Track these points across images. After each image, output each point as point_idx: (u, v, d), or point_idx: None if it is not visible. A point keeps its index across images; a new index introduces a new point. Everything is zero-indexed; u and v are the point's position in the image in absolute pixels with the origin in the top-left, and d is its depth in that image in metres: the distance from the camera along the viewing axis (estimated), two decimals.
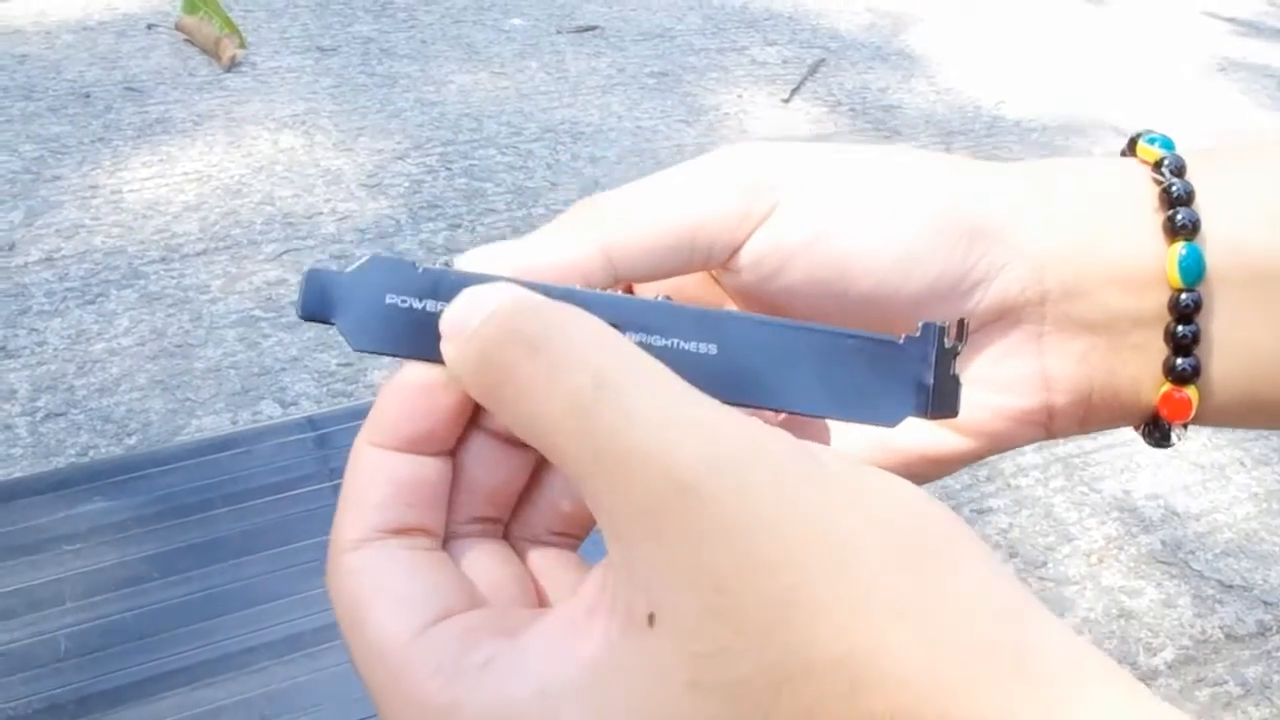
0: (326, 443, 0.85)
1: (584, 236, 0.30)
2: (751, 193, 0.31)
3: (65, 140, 2.03)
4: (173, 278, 1.69)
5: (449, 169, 2.03)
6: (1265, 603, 1.29)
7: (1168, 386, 0.32)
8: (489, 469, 0.29)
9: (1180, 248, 0.31)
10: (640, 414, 0.22)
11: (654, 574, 0.22)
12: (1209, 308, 0.31)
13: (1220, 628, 1.26)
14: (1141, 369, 0.32)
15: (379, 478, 0.28)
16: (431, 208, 1.91)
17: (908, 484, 0.24)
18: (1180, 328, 0.31)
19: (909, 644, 0.20)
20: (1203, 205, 0.31)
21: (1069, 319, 0.32)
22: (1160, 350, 0.32)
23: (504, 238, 2.14)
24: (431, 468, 0.28)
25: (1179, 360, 0.32)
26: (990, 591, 0.22)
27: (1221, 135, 2.37)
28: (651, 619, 0.22)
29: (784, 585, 0.21)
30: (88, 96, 2.19)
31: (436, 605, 0.26)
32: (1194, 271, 0.31)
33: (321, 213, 1.87)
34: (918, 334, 0.28)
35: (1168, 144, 0.33)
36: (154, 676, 0.67)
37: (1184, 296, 0.31)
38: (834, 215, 0.31)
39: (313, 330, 1.59)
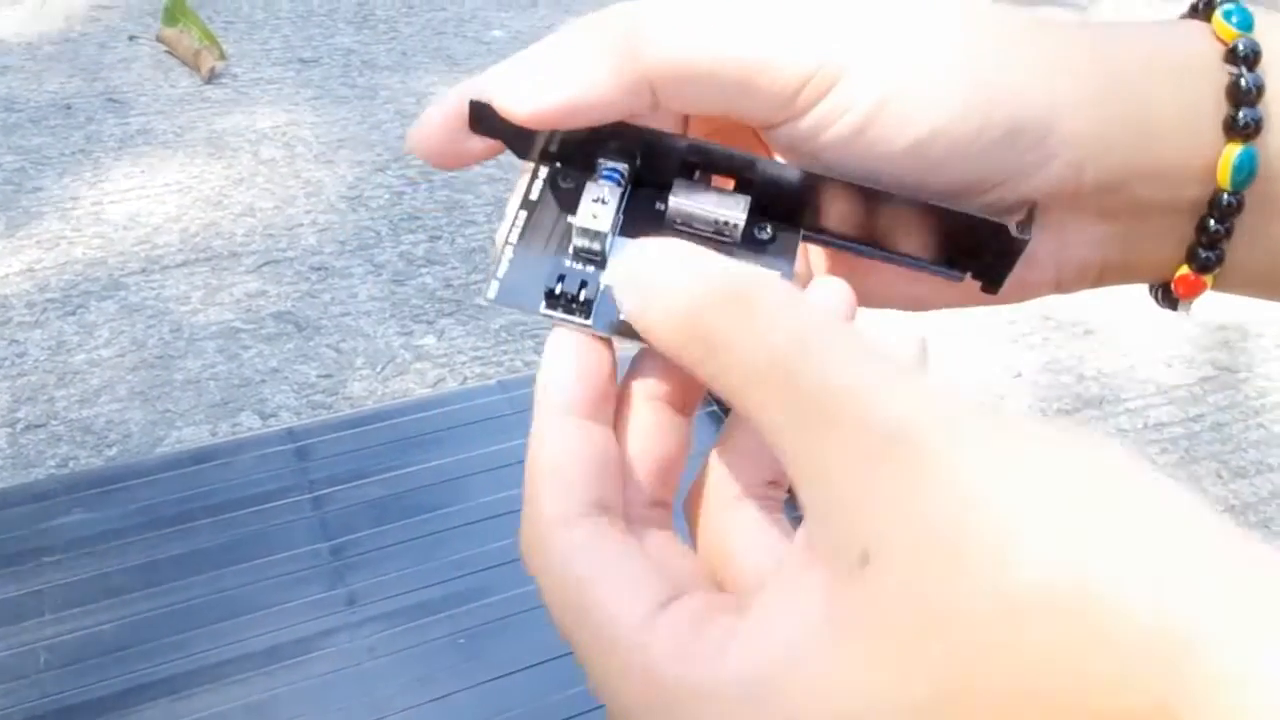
0: (306, 454, 0.85)
1: (624, 67, 0.28)
2: (825, 44, 0.28)
3: (46, 151, 2.03)
4: (153, 289, 1.69)
5: (429, 181, 2.03)
6: None
7: (1186, 270, 0.31)
8: (657, 439, 0.28)
9: (1236, 150, 0.29)
10: (847, 370, 0.22)
11: (864, 517, 0.21)
12: (1247, 203, 0.30)
13: None
14: (1163, 252, 0.31)
15: (574, 449, 0.27)
16: (412, 220, 1.91)
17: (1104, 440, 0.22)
18: (1215, 224, 0.30)
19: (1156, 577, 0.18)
20: (1271, 100, 0.29)
21: (1098, 208, 0.31)
22: (1186, 236, 0.31)
23: (484, 249, 2.16)
24: (610, 440, 0.28)
25: (1204, 253, 0.31)
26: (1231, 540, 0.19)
27: None
28: (865, 557, 0.21)
29: (1001, 526, 0.19)
30: (69, 108, 2.18)
31: (663, 587, 0.25)
32: (1246, 173, 0.29)
33: (302, 224, 1.87)
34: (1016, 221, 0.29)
35: (1246, 20, 0.30)
36: (134, 688, 0.67)
37: (1227, 197, 0.30)
38: (899, 88, 0.28)
39: (293, 342, 1.59)
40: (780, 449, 0.23)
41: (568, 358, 0.28)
